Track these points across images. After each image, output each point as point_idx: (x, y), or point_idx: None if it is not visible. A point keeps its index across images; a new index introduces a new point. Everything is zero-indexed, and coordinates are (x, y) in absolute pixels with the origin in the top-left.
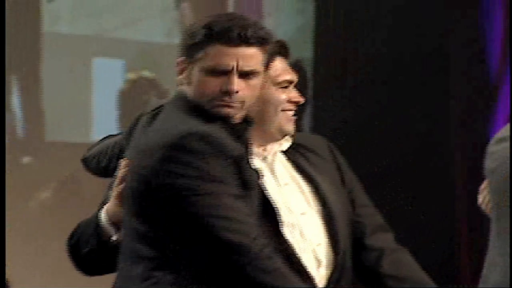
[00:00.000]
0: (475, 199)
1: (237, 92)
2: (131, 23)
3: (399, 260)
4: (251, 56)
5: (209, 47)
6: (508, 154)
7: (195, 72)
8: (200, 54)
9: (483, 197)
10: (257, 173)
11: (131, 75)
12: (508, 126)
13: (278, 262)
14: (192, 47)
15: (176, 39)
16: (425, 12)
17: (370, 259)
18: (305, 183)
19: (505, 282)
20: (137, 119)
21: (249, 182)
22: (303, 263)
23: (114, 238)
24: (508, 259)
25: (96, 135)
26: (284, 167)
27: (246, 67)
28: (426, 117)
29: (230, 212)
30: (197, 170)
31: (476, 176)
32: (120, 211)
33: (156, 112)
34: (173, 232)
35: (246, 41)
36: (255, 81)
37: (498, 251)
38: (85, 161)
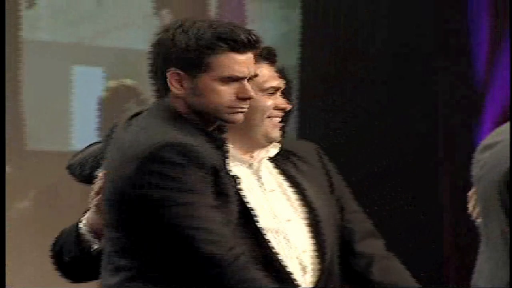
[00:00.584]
0: (462, 205)
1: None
2: (111, 31)
3: (389, 267)
4: (253, 60)
5: (220, 55)
6: (495, 161)
7: (206, 82)
8: (209, 64)
9: (472, 204)
10: (234, 180)
11: (112, 83)
12: (494, 132)
13: (254, 272)
14: (195, 58)
15: None
16: (413, 17)
17: (360, 266)
18: (292, 189)
19: None
20: (112, 129)
21: (227, 192)
22: (287, 269)
23: (95, 247)
24: (494, 266)
25: (77, 144)
26: (270, 173)
27: (253, 72)
28: (413, 124)
29: (205, 223)
30: (173, 181)
31: (463, 183)
32: (99, 220)
33: (131, 121)
34: (149, 242)
35: (251, 47)
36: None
37: (485, 259)
38: (70, 168)
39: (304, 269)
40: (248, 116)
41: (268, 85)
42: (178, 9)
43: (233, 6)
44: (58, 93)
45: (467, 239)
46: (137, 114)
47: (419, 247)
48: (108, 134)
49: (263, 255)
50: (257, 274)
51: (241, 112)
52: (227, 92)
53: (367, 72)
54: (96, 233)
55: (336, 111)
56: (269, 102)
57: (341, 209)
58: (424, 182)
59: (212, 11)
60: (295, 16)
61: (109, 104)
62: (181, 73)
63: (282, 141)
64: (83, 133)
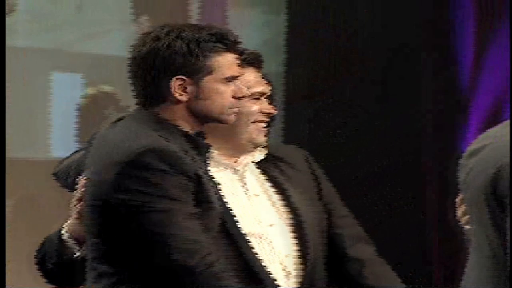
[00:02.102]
0: (448, 209)
1: None
2: (90, 37)
3: (380, 272)
4: None
5: (219, 56)
6: (481, 167)
7: (210, 84)
8: (211, 65)
9: (461, 211)
10: (215, 186)
11: (90, 90)
12: (480, 138)
13: (227, 280)
14: (199, 61)
15: None
16: (399, 20)
17: (352, 270)
18: (277, 194)
19: None
20: (93, 136)
21: (209, 198)
22: (269, 274)
23: (77, 254)
24: (481, 273)
25: (56, 152)
26: (255, 178)
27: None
28: (399, 128)
29: (182, 231)
30: (153, 187)
31: (448, 188)
32: (81, 227)
33: (114, 126)
34: (127, 249)
35: (238, 46)
36: None
37: (473, 265)
38: (56, 176)
39: (287, 273)
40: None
41: (253, 90)
42: (157, 15)
43: (215, 12)
44: (37, 101)
45: (453, 243)
46: (119, 120)
47: (404, 251)
48: (89, 141)
49: (246, 260)
50: (231, 282)
51: (235, 112)
52: (228, 93)
53: (352, 76)
54: (78, 240)
55: (322, 116)
56: (254, 107)
57: (330, 214)
58: (410, 186)
59: (194, 17)
60: (278, 22)
61: (88, 111)
62: (185, 78)
63: (269, 146)
64: (62, 141)
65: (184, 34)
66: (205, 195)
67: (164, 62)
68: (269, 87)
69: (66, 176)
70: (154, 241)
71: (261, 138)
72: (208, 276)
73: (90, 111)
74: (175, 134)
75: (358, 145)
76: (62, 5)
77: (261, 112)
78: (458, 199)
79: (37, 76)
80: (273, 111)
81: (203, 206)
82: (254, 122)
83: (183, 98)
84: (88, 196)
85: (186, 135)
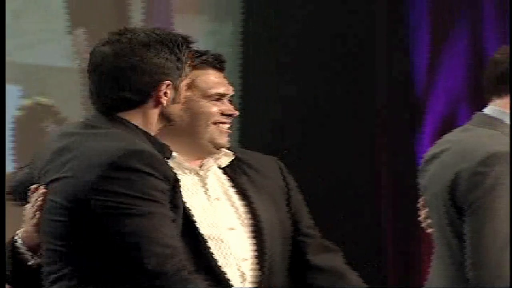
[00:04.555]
0: (403, 212)
1: None
2: (26, 47)
3: (344, 280)
4: None
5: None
6: (441, 171)
7: (182, 86)
8: (185, 68)
9: (423, 214)
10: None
11: (26, 102)
12: (440, 142)
13: (194, 284)
14: (182, 65)
15: (75, 63)
16: (355, 19)
17: (315, 279)
18: (240, 199)
19: None
20: (50, 144)
21: (179, 204)
22: (226, 277)
23: (31, 262)
24: (446, 280)
25: None
26: (218, 182)
27: None
28: (353, 129)
29: (160, 235)
30: (135, 189)
31: (403, 190)
32: (37, 236)
33: (86, 129)
34: (100, 249)
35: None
36: None
37: (438, 271)
38: (12, 195)
39: (243, 277)
40: (192, 122)
41: (213, 91)
42: (95, 25)
43: (160, 20)
44: None
45: (408, 246)
46: (85, 125)
47: (358, 253)
48: (38, 152)
49: (203, 262)
50: (199, 285)
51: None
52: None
53: (304, 80)
54: (32, 248)
55: (278, 118)
56: (214, 108)
57: (297, 223)
58: (364, 189)
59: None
60: (225, 29)
61: (25, 124)
62: (170, 83)
63: (240, 151)
64: None
65: (163, 38)
66: (178, 200)
67: (158, 68)
68: (232, 88)
69: (19, 192)
70: (131, 243)
71: (223, 140)
72: (179, 280)
73: (27, 123)
74: (144, 138)
75: (310, 145)
76: None
77: (222, 114)
78: (420, 203)
79: None
80: (235, 112)
81: (176, 211)
82: (215, 123)
83: (167, 102)
84: (58, 198)
85: (153, 140)
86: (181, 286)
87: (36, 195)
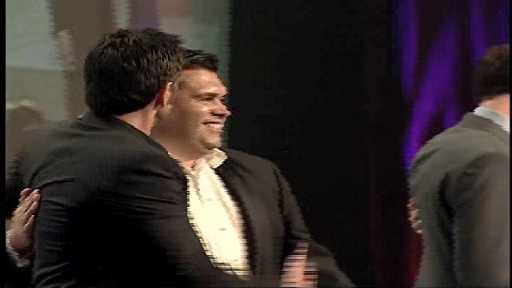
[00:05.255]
0: (390, 213)
1: None
2: (11, 49)
3: (334, 283)
4: None
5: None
6: (431, 172)
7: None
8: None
9: (413, 215)
10: None
11: (10, 105)
12: (430, 143)
13: (227, 275)
14: (179, 65)
15: (60, 66)
16: (340, 24)
17: None
18: (232, 200)
19: None
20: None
21: (188, 202)
22: None
23: (20, 265)
24: (436, 281)
25: None
26: (210, 182)
27: None
28: (341, 131)
29: (184, 235)
30: (157, 193)
31: (390, 190)
32: (26, 239)
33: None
34: (105, 251)
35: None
36: None
37: (427, 271)
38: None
39: None
40: (182, 122)
41: (203, 91)
42: (81, 28)
43: (146, 23)
44: None
45: (397, 247)
46: (83, 125)
47: (348, 256)
48: (25, 153)
49: None
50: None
51: None
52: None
53: (294, 80)
54: (20, 250)
55: (265, 119)
56: (205, 108)
57: (289, 225)
58: (352, 189)
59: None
60: (211, 32)
61: (8, 127)
62: (172, 84)
63: (234, 153)
64: None
65: (163, 40)
66: (188, 199)
67: (163, 70)
68: (224, 88)
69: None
70: (156, 245)
71: (213, 139)
72: (212, 277)
73: (10, 127)
74: (143, 140)
75: (298, 146)
76: None
77: (213, 113)
78: (411, 204)
79: None
80: (226, 112)
81: (187, 209)
82: (206, 123)
83: (165, 102)
84: (60, 200)
85: (150, 141)
86: (216, 281)
87: (30, 199)
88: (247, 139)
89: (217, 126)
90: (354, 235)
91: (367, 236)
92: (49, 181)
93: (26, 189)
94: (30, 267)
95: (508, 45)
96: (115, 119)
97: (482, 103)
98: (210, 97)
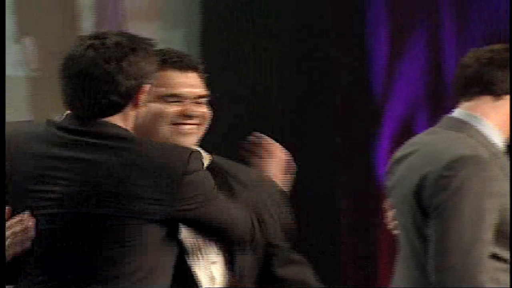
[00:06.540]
0: (360, 215)
1: None
2: None
3: None
4: None
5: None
6: (407, 173)
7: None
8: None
9: (389, 216)
10: None
11: None
12: (407, 144)
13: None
14: (155, 67)
15: (23, 72)
16: (310, 28)
17: None
18: None
19: None
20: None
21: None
22: (195, 278)
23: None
24: (410, 283)
25: None
26: None
27: None
28: (309, 133)
29: (232, 209)
30: (205, 186)
31: (361, 193)
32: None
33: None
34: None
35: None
36: None
37: (402, 274)
38: None
39: (212, 279)
40: (149, 123)
41: (168, 92)
42: (44, 34)
43: (112, 28)
44: None
45: (366, 248)
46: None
47: (318, 253)
48: (17, 155)
49: (175, 262)
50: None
51: None
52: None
53: (265, 79)
54: None
55: (236, 123)
56: (170, 109)
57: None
58: (322, 191)
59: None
60: (177, 37)
61: None
62: (149, 85)
63: (220, 159)
64: None
65: (142, 41)
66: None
67: (141, 71)
68: (202, 90)
69: None
70: (220, 225)
71: (181, 140)
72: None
73: None
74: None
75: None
76: None
77: (183, 114)
78: (387, 204)
79: None
80: (196, 113)
81: None
82: (175, 124)
83: (141, 104)
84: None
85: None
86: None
87: (25, 224)
88: (217, 141)
89: (187, 127)
90: (323, 236)
91: (338, 234)
92: (59, 188)
93: (18, 218)
94: (18, 260)
95: (486, 48)
96: (109, 123)
97: (460, 105)
98: (178, 98)
